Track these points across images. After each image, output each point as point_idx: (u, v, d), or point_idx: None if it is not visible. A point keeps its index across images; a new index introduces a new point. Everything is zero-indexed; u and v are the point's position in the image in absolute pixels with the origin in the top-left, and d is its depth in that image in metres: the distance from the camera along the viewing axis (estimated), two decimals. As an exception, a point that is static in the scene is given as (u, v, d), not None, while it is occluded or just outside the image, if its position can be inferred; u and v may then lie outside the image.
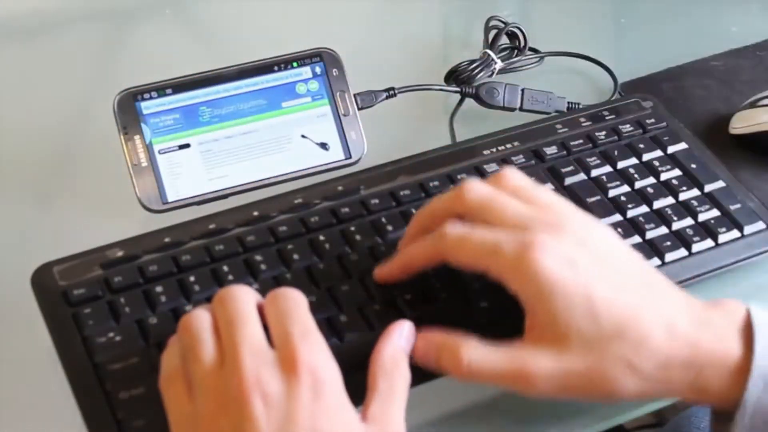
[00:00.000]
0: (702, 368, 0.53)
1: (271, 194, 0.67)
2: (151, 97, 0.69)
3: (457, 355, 0.54)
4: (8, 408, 0.60)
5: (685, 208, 0.67)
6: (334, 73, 0.71)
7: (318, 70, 0.71)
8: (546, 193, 0.57)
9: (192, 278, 0.61)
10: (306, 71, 0.71)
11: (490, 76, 0.81)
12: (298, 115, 0.71)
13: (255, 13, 0.91)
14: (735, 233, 0.66)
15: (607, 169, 0.69)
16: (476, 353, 0.54)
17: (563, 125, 0.72)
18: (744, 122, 0.74)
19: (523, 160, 0.69)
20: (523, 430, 0.59)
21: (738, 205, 0.67)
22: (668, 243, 0.65)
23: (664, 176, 0.69)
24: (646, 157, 0.70)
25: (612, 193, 0.67)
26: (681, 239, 0.65)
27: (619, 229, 0.65)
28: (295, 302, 0.53)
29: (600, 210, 0.66)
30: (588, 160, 0.70)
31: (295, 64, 0.71)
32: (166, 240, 0.63)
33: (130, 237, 0.64)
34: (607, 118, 0.73)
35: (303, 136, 0.70)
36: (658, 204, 0.67)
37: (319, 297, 0.60)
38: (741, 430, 0.53)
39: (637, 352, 0.52)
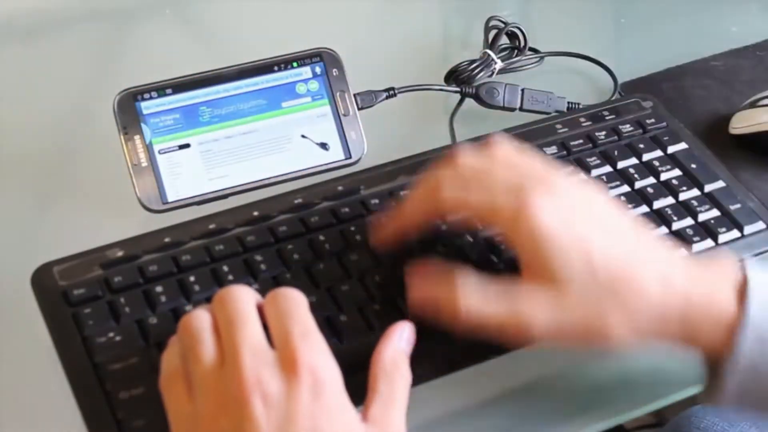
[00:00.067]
0: (695, 321, 0.54)
1: (271, 194, 0.67)
2: (151, 97, 0.69)
3: (455, 304, 0.55)
4: (8, 408, 0.60)
5: (685, 208, 0.67)
6: (334, 73, 0.71)
7: (318, 70, 0.71)
8: (537, 158, 0.58)
9: (192, 278, 0.61)
10: (306, 71, 0.71)
11: (490, 76, 0.81)
12: (298, 115, 0.71)
13: (255, 13, 0.91)
14: (735, 233, 0.66)
15: (607, 169, 0.69)
16: (474, 301, 0.55)
17: (563, 125, 0.73)
18: (744, 122, 0.74)
19: (523, 160, 0.69)
20: (523, 430, 0.59)
21: (738, 205, 0.67)
22: (668, 243, 0.65)
23: (664, 176, 0.69)
24: (646, 157, 0.70)
25: (612, 193, 0.67)
26: (681, 239, 0.65)
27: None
28: (295, 302, 0.53)
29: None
30: (588, 160, 0.70)
31: (295, 64, 0.71)
32: (166, 240, 0.63)
33: (130, 237, 0.64)
34: (607, 118, 0.73)
35: (303, 136, 0.70)
36: (658, 204, 0.67)
37: (319, 297, 0.60)
38: (731, 385, 0.54)
39: (632, 302, 0.54)
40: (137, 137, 0.68)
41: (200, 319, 0.52)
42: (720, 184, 0.69)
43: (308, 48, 0.72)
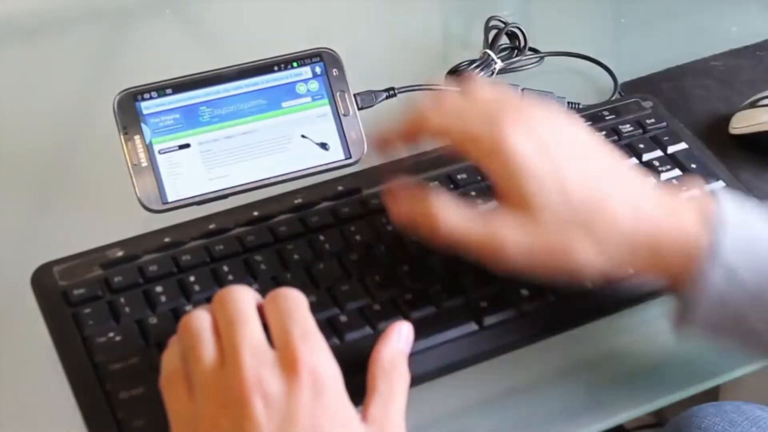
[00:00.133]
0: (664, 251, 0.55)
1: (271, 194, 0.67)
2: (151, 97, 0.69)
3: (435, 220, 0.57)
4: (8, 408, 0.60)
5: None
6: (334, 73, 0.71)
7: (318, 70, 0.71)
8: (517, 95, 0.62)
9: (192, 278, 0.61)
10: (306, 71, 0.71)
11: (491, 76, 0.81)
12: (298, 115, 0.70)
13: (255, 13, 0.91)
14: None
15: (607, 169, 0.69)
16: (453, 219, 0.57)
17: (563, 125, 0.72)
18: (744, 122, 0.74)
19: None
20: (523, 430, 0.59)
21: (738, 205, 0.67)
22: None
23: (664, 176, 0.69)
24: (646, 157, 0.70)
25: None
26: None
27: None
28: (296, 302, 0.53)
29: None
30: (588, 160, 0.70)
31: (295, 64, 0.71)
32: (166, 240, 0.63)
33: (130, 237, 0.64)
34: (607, 118, 0.73)
35: (303, 136, 0.70)
36: (658, 204, 0.67)
37: (319, 297, 0.60)
38: (699, 315, 0.55)
39: (602, 230, 0.55)
40: (137, 137, 0.68)
41: (200, 319, 0.52)
42: (720, 184, 0.69)
43: (308, 48, 0.71)
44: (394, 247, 0.63)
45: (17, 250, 0.69)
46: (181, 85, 0.69)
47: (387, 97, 0.75)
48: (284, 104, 0.70)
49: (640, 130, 0.72)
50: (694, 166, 0.70)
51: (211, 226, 0.64)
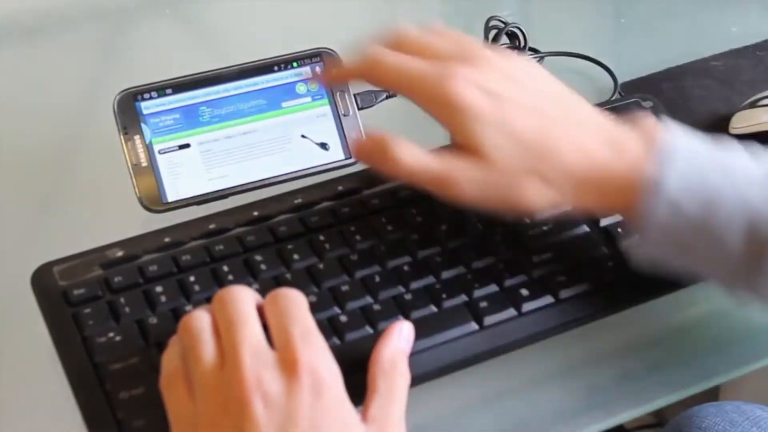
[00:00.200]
0: (612, 189, 0.57)
1: (271, 194, 0.67)
2: (151, 97, 0.69)
3: (392, 155, 0.58)
4: (8, 408, 0.60)
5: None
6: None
7: (318, 70, 0.71)
8: (471, 38, 0.62)
9: (192, 278, 0.61)
10: (306, 71, 0.71)
11: (490, 76, 0.81)
12: (298, 115, 0.70)
13: (255, 13, 0.91)
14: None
15: (607, 169, 0.69)
16: (410, 155, 0.58)
17: (563, 125, 0.72)
18: (744, 122, 0.74)
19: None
20: (524, 430, 0.59)
21: (738, 205, 0.67)
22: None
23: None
24: (646, 157, 0.70)
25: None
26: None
27: (619, 229, 0.65)
28: (295, 302, 0.53)
29: (600, 210, 0.66)
30: (588, 160, 0.70)
31: (295, 64, 0.71)
32: (166, 240, 0.63)
33: (130, 237, 0.64)
34: (607, 118, 0.73)
35: (303, 136, 0.70)
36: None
37: (319, 297, 0.60)
38: (647, 247, 0.57)
39: (550, 172, 0.57)
40: (137, 137, 0.68)
41: (200, 319, 0.52)
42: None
43: (308, 48, 0.71)
44: (394, 246, 0.63)
45: (17, 250, 0.69)
46: (181, 85, 0.69)
47: (387, 97, 0.75)
48: (284, 104, 0.70)
49: (640, 130, 0.72)
50: (694, 166, 0.70)
51: (211, 226, 0.64)
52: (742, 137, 0.74)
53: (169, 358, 0.53)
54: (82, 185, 0.74)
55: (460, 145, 0.58)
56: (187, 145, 0.69)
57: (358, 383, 0.53)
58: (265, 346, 0.51)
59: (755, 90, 0.77)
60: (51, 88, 0.83)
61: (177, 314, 0.59)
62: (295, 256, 0.62)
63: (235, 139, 0.69)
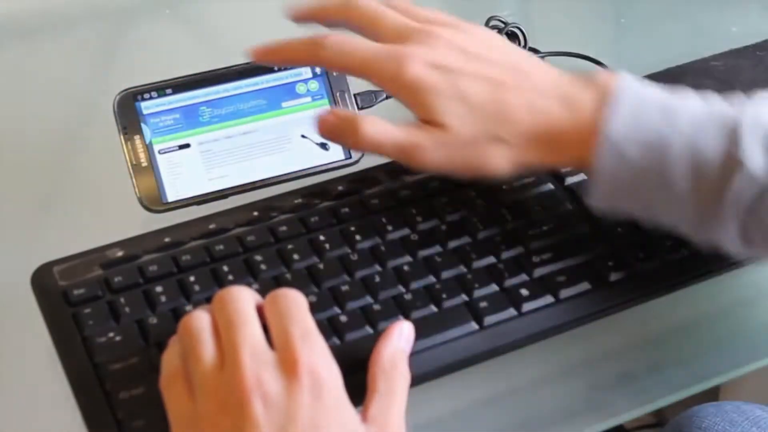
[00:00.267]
0: (564, 143, 0.59)
1: (271, 194, 0.67)
2: (151, 97, 0.69)
3: (357, 127, 0.60)
4: (8, 408, 0.60)
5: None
6: (334, 73, 0.71)
7: (318, 69, 0.71)
8: (427, 8, 0.63)
9: (192, 278, 0.61)
10: (306, 71, 0.71)
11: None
12: (298, 115, 0.70)
13: (255, 13, 0.91)
14: (735, 233, 0.66)
15: (607, 169, 0.69)
16: (375, 127, 0.60)
17: (563, 125, 0.72)
18: (744, 122, 0.74)
19: (523, 160, 0.69)
20: (524, 430, 0.59)
21: (738, 205, 0.67)
22: (669, 243, 0.65)
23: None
24: (646, 157, 0.70)
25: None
26: (681, 239, 0.65)
27: (619, 229, 0.65)
28: (295, 303, 0.53)
29: (600, 210, 0.66)
30: (588, 160, 0.70)
31: (295, 64, 0.71)
32: (166, 240, 0.63)
33: (130, 237, 0.64)
34: (607, 118, 0.73)
35: (303, 136, 0.70)
36: (658, 204, 0.67)
37: (319, 297, 0.60)
38: (599, 194, 0.59)
39: (507, 131, 0.59)
40: (137, 137, 0.68)
41: (200, 319, 0.52)
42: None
43: (308, 48, 0.71)
44: (394, 246, 0.63)
45: (17, 250, 0.69)
46: (181, 85, 0.69)
47: (387, 97, 0.75)
48: (284, 104, 0.70)
49: (640, 130, 0.72)
50: (694, 166, 0.70)
51: (211, 226, 0.64)
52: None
53: (169, 358, 0.53)
54: (82, 185, 0.74)
55: (423, 120, 0.60)
56: (187, 145, 0.69)
57: (358, 383, 0.53)
58: (264, 347, 0.51)
59: (755, 90, 0.77)
60: (51, 88, 0.83)
61: (177, 314, 0.59)
62: (295, 256, 0.62)
63: (235, 139, 0.69)
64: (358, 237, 0.64)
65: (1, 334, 0.64)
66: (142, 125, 0.68)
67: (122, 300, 0.60)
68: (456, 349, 0.60)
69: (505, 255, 0.63)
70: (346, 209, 0.65)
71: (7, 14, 0.90)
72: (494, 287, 0.62)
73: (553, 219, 0.65)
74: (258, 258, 0.62)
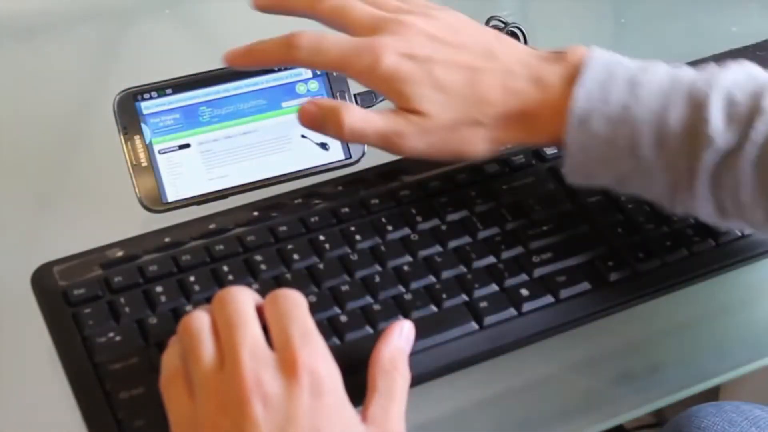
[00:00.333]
0: (539, 120, 0.61)
1: (271, 194, 0.67)
2: (151, 97, 0.69)
3: (340, 117, 0.60)
4: (8, 408, 0.60)
5: (685, 208, 0.67)
6: (334, 73, 0.71)
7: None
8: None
9: (192, 278, 0.61)
10: (306, 71, 0.71)
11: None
12: (298, 115, 0.70)
13: (255, 13, 0.91)
14: (735, 233, 0.66)
15: (607, 169, 0.69)
16: (356, 116, 0.61)
17: (563, 125, 0.72)
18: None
19: (524, 159, 0.69)
20: (523, 430, 0.59)
21: (738, 205, 0.67)
22: (669, 243, 0.65)
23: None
24: (646, 157, 0.70)
25: (613, 192, 0.67)
26: (681, 239, 0.65)
27: (619, 229, 0.65)
28: (295, 303, 0.53)
29: (600, 210, 0.66)
30: (588, 160, 0.70)
31: (295, 64, 0.71)
32: (166, 240, 0.63)
33: (130, 237, 0.64)
34: (607, 118, 0.73)
35: (303, 136, 0.70)
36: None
37: (319, 297, 0.60)
38: (572, 168, 0.61)
39: (483, 114, 0.61)
40: (137, 137, 0.68)
41: (200, 320, 0.52)
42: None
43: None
44: (395, 246, 0.63)
45: (17, 250, 0.69)
46: (181, 85, 0.69)
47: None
48: (284, 104, 0.70)
49: (640, 130, 0.72)
50: (694, 166, 0.70)
51: (211, 226, 0.64)
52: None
53: (169, 359, 0.53)
54: (82, 185, 0.74)
55: (402, 108, 0.61)
56: (187, 145, 0.69)
57: (358, 383, 0.53)
58: (264, 347, 0.51)
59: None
60: (51, 88, 0.83)
61: (177, 314, 0.59)
62: (295, 256, 0.62)
63: (235, 139, 0.69)
64: (358, 237, 0.64)
65: (1, 334, 0.64)
66: (142, 125, 0.68)
67: (122, 300, 0.60)
68: (456, 349, 0.60)
69: (505, 255, 0.63)
70: (346, 209, 0.65)
71: (7, 14, 0.90)
72: (494, 287, 0.62)
73: (553, 219, 0.65)
74: (258, 258, 0.62)
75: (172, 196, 0.68)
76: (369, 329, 0.59)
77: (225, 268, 0.62)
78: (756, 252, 0.66)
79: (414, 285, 0.61)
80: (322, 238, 0.63)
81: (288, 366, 0.50)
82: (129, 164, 0.67)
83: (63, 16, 0.91)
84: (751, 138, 0.57)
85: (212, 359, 0.51)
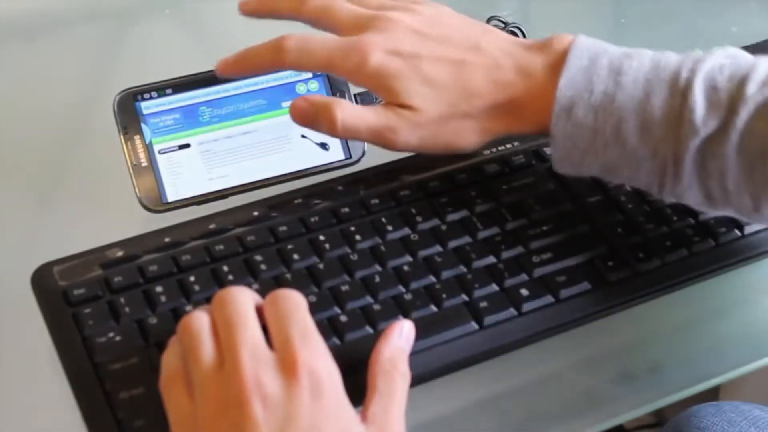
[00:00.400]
0: (523, 110, 0.61)
1: (271, 194, 0.67)
2: (151, 97, 0.69)
3: (332, 113, 0.61)
4: (8, 408, 0.60)
5: (685, 208, 0.67)
6: (334, 73, 0.71)
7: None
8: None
9: (192, 278, 0.61)
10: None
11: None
12: (298, 115, 0.70)
13: (255, 13, 0.91)
14: (735, 233, 0.66)
15: (607, 169, 0.69)
16: (349, 113, 0.61)
17: (563, 125, 0.72)
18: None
19: (524, 160, 0.69)
20: (523, 430, 0.59)
21: (738, 205, 0.67)
22: (669, 243, 0.65)
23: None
24: (646, 157, 0.70)
25: (613, 192, 0.67)
26: (681, 239, 0.65)
27: (619, 229, 0.65)
28: (295, 304, 0.53)
29: (600, 210, 0.66)
30: (588, 160, 0.70)
31: (295, 64, 0.71)
32: (166, 240, 0.63)
33: (130, 237, 0.64)
34: (607, 118, 0.73)
35: (303, 136, 0.70)
36: (658, 204, 0.67)
37: (319, 297, 0.60)
38: (560, 158, 0.61)
39: (471, 106, 0.61)
40: (137, 137, 0.68)
41: (199, 320, 0.52)
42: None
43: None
44: (394, 246, 0.63)
45: (17, 250, 0.69)
46: (181, 85, 0.69)
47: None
48: (284, 104, 0.70)
49: (640, 130, 0.72)
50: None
51: (211, 226, 0.64)
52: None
53: (169, 359, 0.53)
54: (82, 185, 0.74)
55: (392, 103, 0.61)
56: (187, 145, 0.69)
57: (358, 383, 0.53)
58: (264, 347, 0.51)
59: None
60: (51, 88, 0.83)
61: (177, 314, 0.59)
62: (295, 256, 0.62)
63: (235, 139, 0.69)
64: (358, 237, 0.64)
65: (1, 334, 0.64)
66: (142, 125, 0.68)
67: (122, 300, 0.60)
68: (456, 349, 0.60)
69: (505, 255, 0.63)
70: (346, 209, 0.65)
71: (7, 14, 0.90)
72: (494, 287, 0.62)
73: (553, 219, 0.65)
74: (258, 258, 0.62)
75: (172, 196, 0.68)
76: (369, 329, 0.59)
77: (225, 268, 0.62)
78: (755, 252, 0.66)
79: (414, 285, 0.61)
80: (322, 238, 0.63)
81: (288, 366, 0.50)
82: (129, 164, 0.67)
83: (63, 16, 0.91)
84: (734, 124, 0.57)
85: (212, 359, 0.51)
